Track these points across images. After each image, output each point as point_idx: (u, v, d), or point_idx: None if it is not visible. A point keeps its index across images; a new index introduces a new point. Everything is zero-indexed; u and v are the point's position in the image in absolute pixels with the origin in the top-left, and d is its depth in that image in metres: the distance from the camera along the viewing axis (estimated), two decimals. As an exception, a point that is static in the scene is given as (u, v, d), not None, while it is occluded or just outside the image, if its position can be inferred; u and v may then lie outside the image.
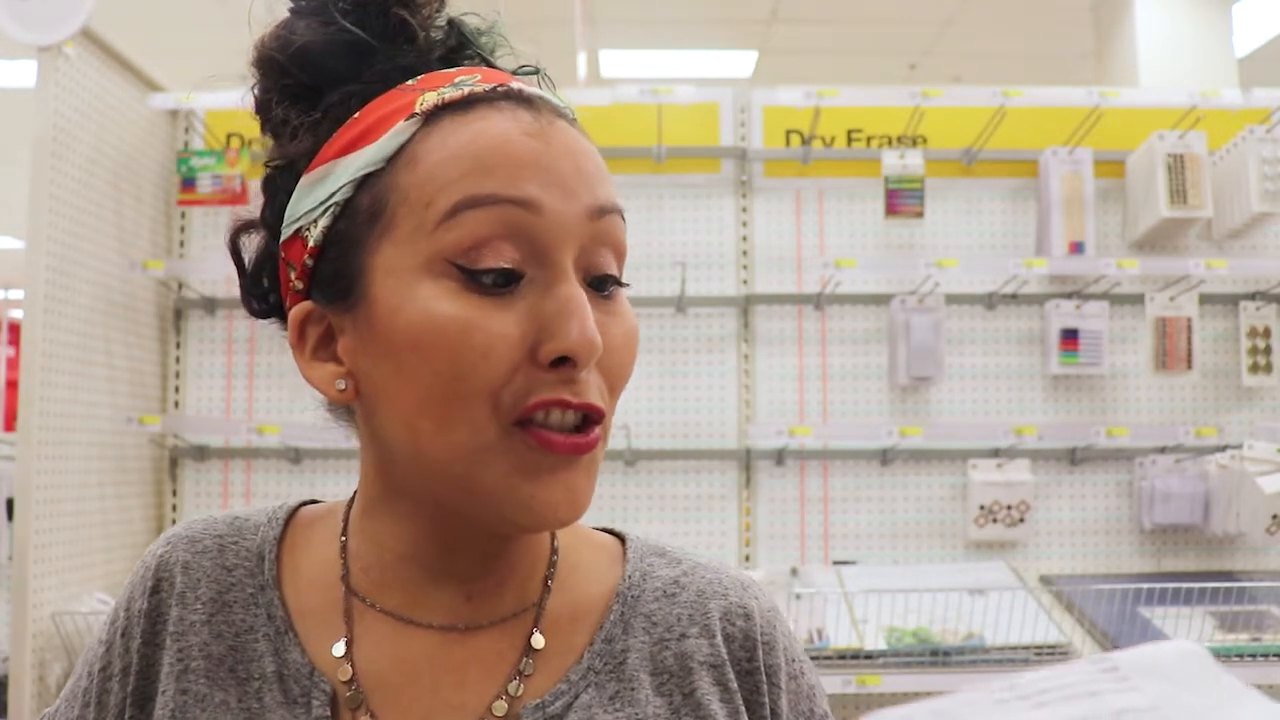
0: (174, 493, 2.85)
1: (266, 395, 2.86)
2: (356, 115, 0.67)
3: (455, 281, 0.62)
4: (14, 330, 4.48)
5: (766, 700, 0.72)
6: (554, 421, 0.63)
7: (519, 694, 0.68)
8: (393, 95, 0.67)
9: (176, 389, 2.88)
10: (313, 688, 0.67)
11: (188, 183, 2.79)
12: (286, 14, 0.69)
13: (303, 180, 0.68)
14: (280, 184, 0.70)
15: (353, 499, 0.75)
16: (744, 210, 2.91)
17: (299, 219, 0.67)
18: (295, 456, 2.81)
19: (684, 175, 2.90)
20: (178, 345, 2.89)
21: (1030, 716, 0.30)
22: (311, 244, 0.66)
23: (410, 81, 0.67)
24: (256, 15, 0.70)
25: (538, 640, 0.70)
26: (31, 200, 2.34)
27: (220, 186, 2.77)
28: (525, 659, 0.69)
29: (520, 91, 0.67)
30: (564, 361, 0.62)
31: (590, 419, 0.64)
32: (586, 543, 0.77)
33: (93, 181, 2.53)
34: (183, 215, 2.92)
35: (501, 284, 0.62)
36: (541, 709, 0.68)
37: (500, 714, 0.68)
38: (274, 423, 2.66)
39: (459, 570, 0.70)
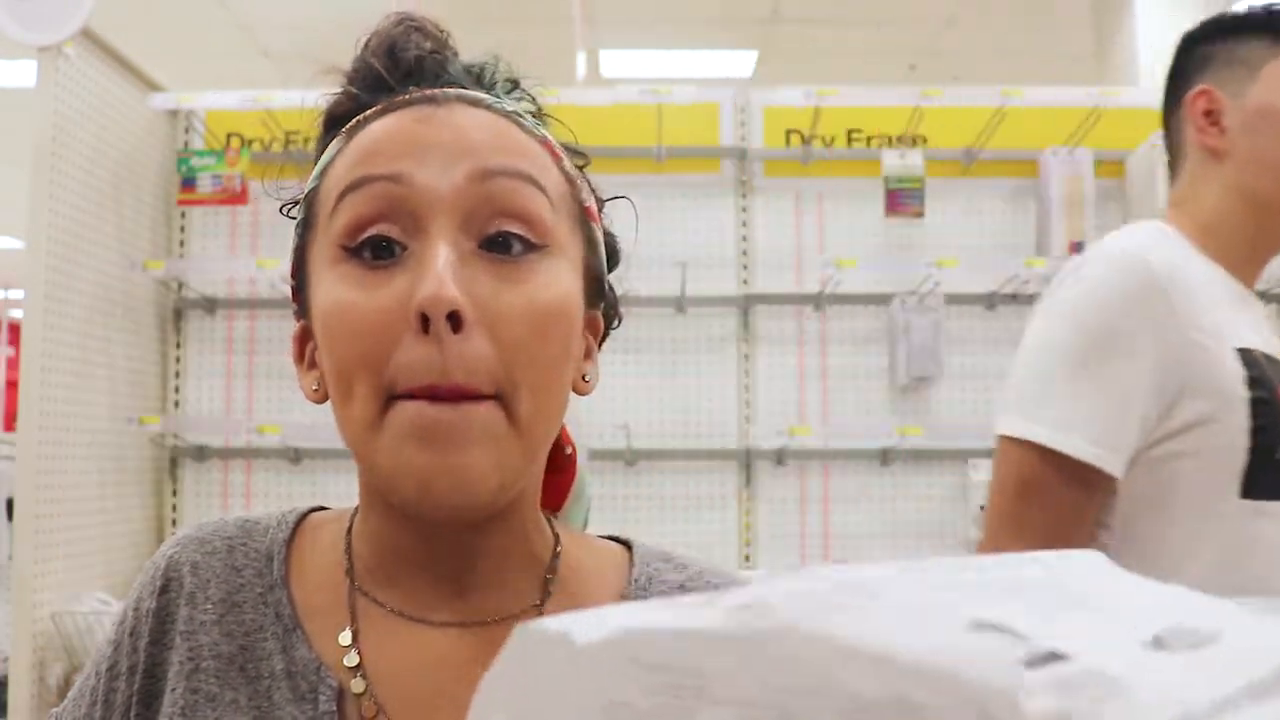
0: (174, 493, 2.85)
1: (266, 395, 2.86)
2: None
3: (346, 265, 0.65)
4: (14, 330, 4.49)
5: None
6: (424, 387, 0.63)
7: None
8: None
9: (176, 389, 2.88)
10: (320, 683, 0.68)
11: (188, 183, 2.79)
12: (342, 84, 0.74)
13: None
14: None
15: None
16: (744, 210, 2.91)
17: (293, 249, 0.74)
18: (295, 456, 2.81)
19: (684, 175, 2.90)
20: (178, 345, 2.89)
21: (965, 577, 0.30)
22: (291, 264, 0.73)
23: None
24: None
25: None
26: (31, 200, 2.34)
27: (220, 186, 2.77)
28: None
29: (436, 94, 0.69)
30: (426, 321, 0.61)
31: (465, 391, 0.63)
32: (590, 547, 0.78)
33: (93, 181, 2.53)
34: (183, 215, 2.91)
35: (380, 256, 0.64)
36: None
37: None
38: (274, 423, 2.66)
39: (441, 564, 0.71)
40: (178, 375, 2.89)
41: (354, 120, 0.70)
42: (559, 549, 0.75)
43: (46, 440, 2.35)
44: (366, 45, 0.73)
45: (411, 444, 0.62)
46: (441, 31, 0.74)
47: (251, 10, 5.96)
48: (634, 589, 0.74)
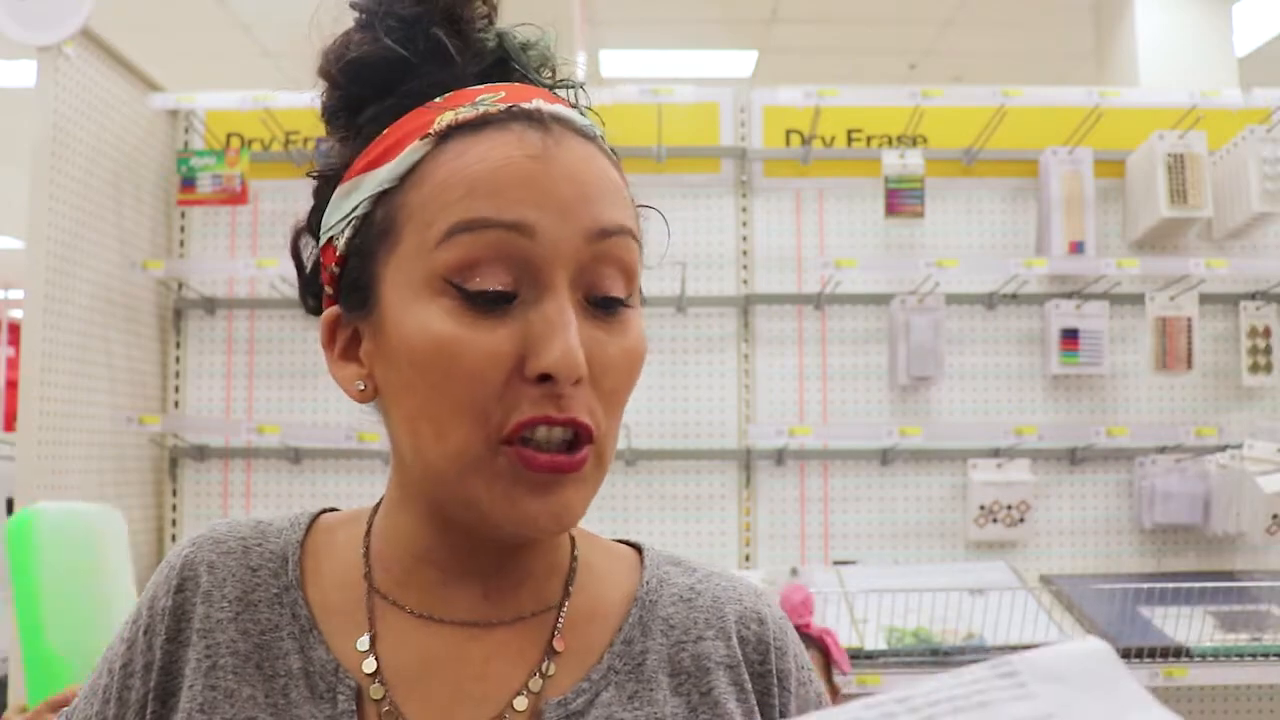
0: (174, 493, 2.85)
1: (266, 395, 2.86)
2: (385, 132, 0.70)
3: (451, 300, 0.65)
4: (14, 330, 4.49)
5: (777, 703, 0.74)
6: (540, 438, 0.64)
7: (540, 690, 0.70)
8: (417, 114, 0.69)
9: (176, 389, 2.88)
10: (338, 683, 0.69)
11: (187, 183, 2.79)
12: (351, 26, 0.72)
13: (336, 192, 0.72)
14: (324, 193, 0.74)
15: (377, 505, 0.78)
16: (744, 210, 2.91)
17: (330, 229, 0.71)
18: (295, 456, 2.81)
19: (684, 175, 2.90)
20: (178, 345, 2.89)
21: None
22: (338, 253, 0.71)
23: (437, 99, 0.69)
24: (322, 23, 0.73)
25: (559, 644, 0.72)
26: (31, 200, 2.34)
27: (220, 186, 2.77)
28: (546, 661, 0.71)
29: (535, 111, 0.68)
30: (547, 379, 0.63)
31: (580, 437, 0.66)
32: (604, 551, 0.79)
33: (93, 181, 2.53)
34: (183, 215, 2.91)
35: (494, 303, 0.64)
36: (563, 705, 0.69)
37: (521, 709, 0.69)
38: (274, 423, 2.66)
39: (474, 570, 0.72)
40: (178, 375, 2.89)
41: (444, 124, 0.67)
42: (575, 551, 0.77)
43: (46, 440, 2.35)
44: (424, 3, 0.70)
45: (528, 492, 0.65)
46: (496, 1, 0.73)
47: (251, 10, 5.97)
48: (645, 590, 0.76)
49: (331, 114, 0.74)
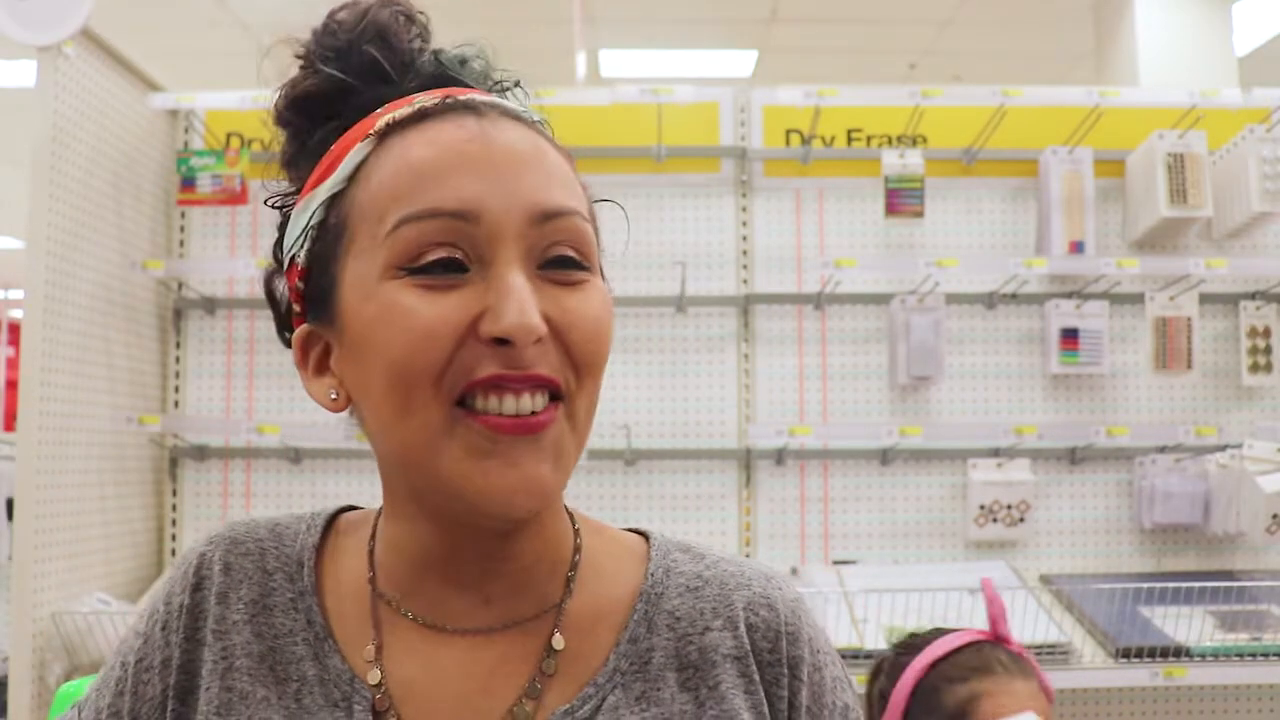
0: (174, 493, 2.85)
1: (266, 395, 2.86)
2: (331, 148, 0.71)
3: (401, 280, 0.65)
4: (14, 330, 4.49)
5: (786, 692, 0.73)
6: (505, 408, 0.64)
7: (541, 693, 0.70)
8: (360, 124, 0.71)
9: (176, 389, 2.88)
10: (354, 694, 0.70)
11: (187, 182, 2.79)
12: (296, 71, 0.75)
13: (292, 213, 0.73)
14: (284, 222, 0.76)
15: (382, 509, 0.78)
16: (744, 210, 2.91)
17: (291, 246, 0.73)
18: (295, 456, 2.81)
19: (684, 175, 2.90)
20: (178, 345, 2.89)
21: None
22: (300, 267, 0.72)
23: (379, 110, 0.71)
24: (277, 72, 0.75)
25: (558, 641, 0.71)
26: (31, 200, 2.34)
27: (220, 186, 2.77)
28: (546, 658, 0.71)
29: (469, 100, 0.69)
30: (504, 344, 0.64)
31: (550, 394, 0.66)
32: (610, 543, 0.79)
33: (93, 181, 2.53)
34: (183, 215, 2.91)
35: (444, 273, 0.65)
36: (570, 714, 0.69)
37: (526, 717, 0.69)
38: (274, 423, 2.66)
39: (471, 572, 0.71)
40: (178, 375, 2.89)
41: (382, 123, 0.69)
42: (579, 544, 0.76)
43: (46, 440, 2.35)
44: (355, 29, 0.72)
45: (489, 459, 0.64)
46: (426, 22, 0.75)
47: (251, 10, 5.96)
48: (650, 583, 0.75)
49: (290, 160, 0.75)
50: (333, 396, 0.71)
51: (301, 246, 0.71)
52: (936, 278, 2.67)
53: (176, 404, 2.88)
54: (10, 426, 3.87)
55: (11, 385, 4.18)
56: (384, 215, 0.66)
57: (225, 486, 2.85)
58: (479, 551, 0.71)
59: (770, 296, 2.86)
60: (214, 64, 6.48)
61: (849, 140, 2.95)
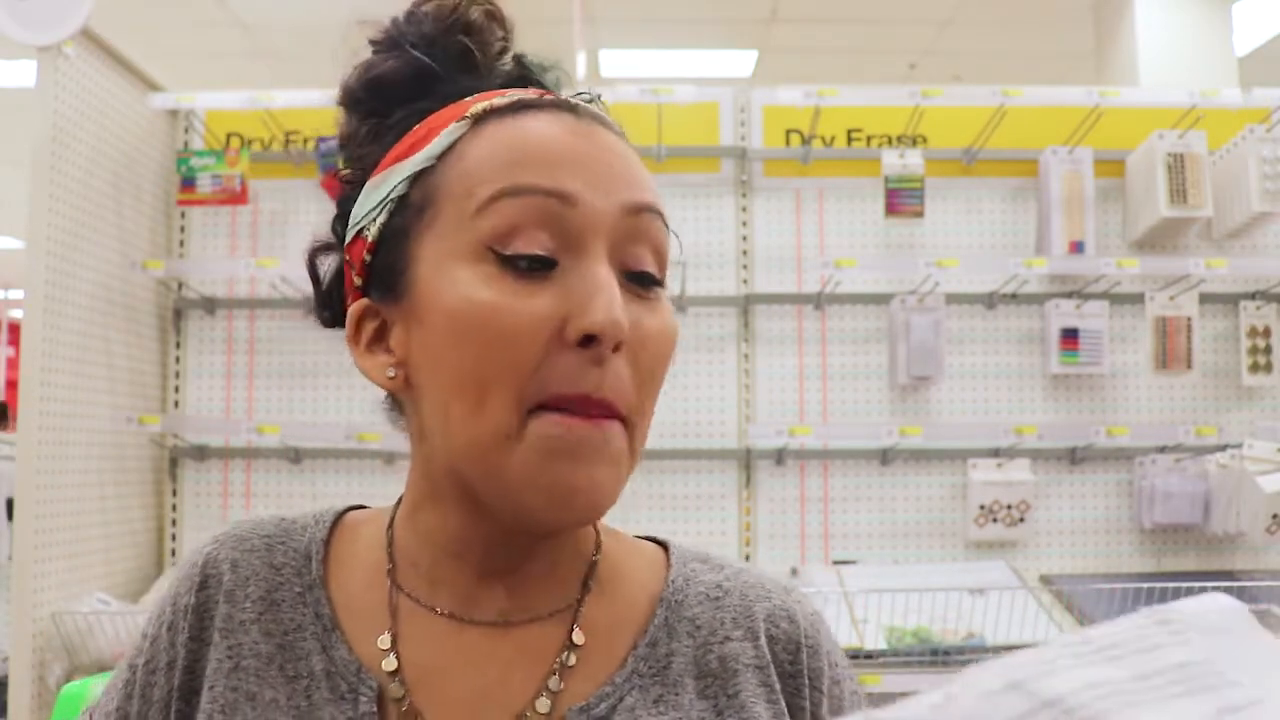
0: (174, 493, 2.85)
1: (266, 395, 2.86)
2: (416, 127, 0.71)
3: (491, 266, 0.65)
4: (14, 330, 4.49)
5: (807, 704, 0.73)
6: (576, 410, 0.64)
7: (559, 689, 0.70)
8: (451, 108, 0.71)
9: (176, 389, 2.88)
10: (360, 684, 0.69)
11: (187, 183, 2.79)
12: (369, 55, 0.75)
13: (366, 185, 0.72)
14: (350, 198, 0.75)
15: (399, 503, 0.77)
16: (744, 210, 2.91)
17: (360, 220, 0.72)
18: (295, 456, 2.81)
19: (684, 175, 2.90)
20: (178, 345, 2.89)
21: (1109, 672, 0.32)
22: (370, 240, 0.71)
23: (467, 99, 0.72)
24: (342, 59, 0.76)
25: (578, 635, 0.71)
26: (31, 200, 2.34)
27: (220, 186, 2.77)
28: (566, 653, 0.71)
29: (568, 100, 0.71)
30: (591, 341, 0.63)
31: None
32: (630, 548, 0.79)
33: (93, 181, 2.53)
34: (183, 215, 2.91)
35: (534, 268, 0.65)
36: (586, 711, 0.69)
37: (544, 711, 0.69)
38: (274, 423, 2.66)
39: (502, 566, 0.71)
40: (178, 375, 2.89)
41: (479, 108, 0.69)
42: (600, 546, 0.76)
43: (46, 440, 2.35)
44: (447, 20, 0.73)
45: (558, 459, 0.63)
46: (512, 26, 0.76)
47: (251, 10, 5.96)
48: (670, 590, 0.75)
49: (351, 138, 0.75)
50: (391, 375, 0.69)
51: (374, 220, 0.70)
52: (936, 278, 2.67)
53: (176, 404, 2.88)
54: (10, 427, 3.87)
55: (11, 385, 4.18)
56: (475, 191, 0.66)
57: (225, 486, 2.85)
58: (512, 548, 0.71)
59: (770, 296, 2.86)
60: (214, 64, 6.49)
61: (849, 140, 2.95)
